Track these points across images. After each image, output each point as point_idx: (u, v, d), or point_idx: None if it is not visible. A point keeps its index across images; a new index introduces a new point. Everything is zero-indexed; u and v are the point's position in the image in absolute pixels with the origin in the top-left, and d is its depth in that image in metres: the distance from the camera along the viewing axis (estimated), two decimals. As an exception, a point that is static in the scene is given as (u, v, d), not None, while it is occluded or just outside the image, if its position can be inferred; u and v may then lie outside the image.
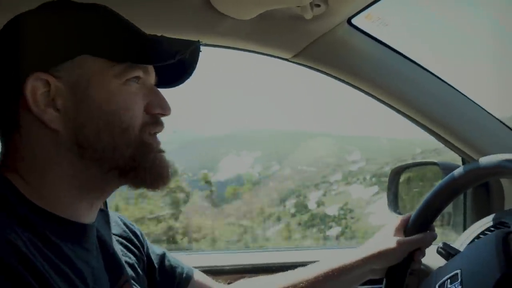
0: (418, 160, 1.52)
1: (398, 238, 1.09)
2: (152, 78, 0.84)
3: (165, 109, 0.83)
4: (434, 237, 1.11)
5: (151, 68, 0.83)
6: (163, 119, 0.84)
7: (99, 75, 0.76)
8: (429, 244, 1.09)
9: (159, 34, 0.81)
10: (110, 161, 0.77)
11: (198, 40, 0.84)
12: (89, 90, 0.75)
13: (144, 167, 0.79)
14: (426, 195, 1.11)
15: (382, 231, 1.15)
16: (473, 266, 0.92)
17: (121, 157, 0.77)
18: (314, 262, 1.37)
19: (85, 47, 0.75)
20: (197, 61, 0.88)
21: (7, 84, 0.76)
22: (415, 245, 1.08)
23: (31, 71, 0.73)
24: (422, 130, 1.41)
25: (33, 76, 0.73)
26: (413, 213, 1.13)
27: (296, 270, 1.18)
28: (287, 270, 1.22)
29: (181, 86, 0.91)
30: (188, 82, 0.91)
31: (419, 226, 1.11)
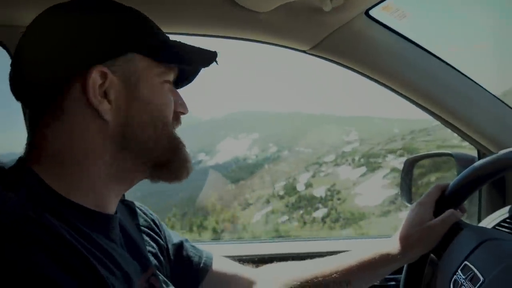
0: (433, 151, 1.52)
1: (431, 223, 1.07)
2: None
3: (185, 108, 0.90)
4: (463, 212, 1.11)
5: (175, 72, 0.89)
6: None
7: (147, 72, 0.81)
8: (458, 219, 1.08)
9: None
10: (149, 153, 0.82)
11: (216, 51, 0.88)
12: (138, 85, 0.80)
13: (177, 159, 0.86)
14: (472, 165, 1.07)
15: (414, 213, 1.11)
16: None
17: (161, 149, 0.83)
18: (335, 252, 1.38)
19: (135, 45, 0.80)
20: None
21: (53, 76, 0.76)
22: (448, 225, 1.06)
23: (93, 63, 0.76)
24: (442, 124, 1.41)
25: (96, 68, 0.76)
26: (452, 181, 1.11)
27: (327, 258, 1.16)
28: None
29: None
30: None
31: (461, 194, 1.10)
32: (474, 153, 1.50)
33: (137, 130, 0.80)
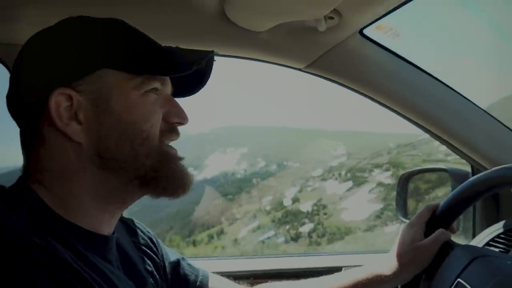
0: (427, 166, 1.53)
1: (423, 242, 1.07)
2: (168, 88, 0.86)
3: (183, 118, 0.85)
4: (453, 232, 1.12)
5: (167, 79, 0.85)
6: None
7: (119, 88, 0.78)
8: (448, 238, 1.08)
9: (174, 45, 0.83)
10: (131, 171, 0.79)
11: (213, 50, 0.85)
12: (110, 103, 0.77)
13: (165, 176, 0.81)
14: (461, 185, 1.08)
15: (405, 234, 1.11)
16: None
17: (142, 166, 0.79)
18: (332, 267, 1.36)
19: (104, 61, 0.77)
20: (211, 70, 0.90)
21: (30, 99, 0.78)
22: (438, 244, 1.06)
23: (54, 87, 0.75)
24: (437, 140, 1.42)
25: (57, 92, 0.75)
26: (442, 201, 1.12)
27: (321, 278, 1.17)
28: (300, 276, 1.22)
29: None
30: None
31: (450, 214, 1.10)
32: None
33: (112, 149, 0.77)
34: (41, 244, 0.64)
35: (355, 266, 1.50)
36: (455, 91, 1.38)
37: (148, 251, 1.01)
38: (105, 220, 0.82)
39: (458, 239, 1.47)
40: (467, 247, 1.10)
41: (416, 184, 1.55)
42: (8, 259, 0.60)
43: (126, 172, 0.79)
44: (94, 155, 0.77)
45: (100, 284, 0.71)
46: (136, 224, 1.04)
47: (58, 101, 0.75)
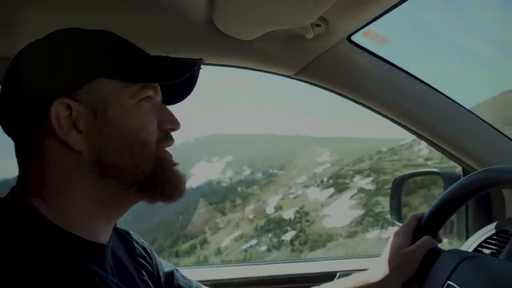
0: (420, 170, 1.54)
1: (408, 248, 1.07)
2: (159, 96, 0.88)
3: (175, 124, 0.86)
4: (439, 241, 1.11)
5: (158, 87, 0.86)
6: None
7: (116, 96, 0.79)
8: (435, 245, 1.08)
9: (162, 54, 0.84)
10: (130, 178, 0.80)
11: (201, 58, 0.87)
12: (107, 111, 0.78)
13: (163, 181, 0.82)
14: (442, 194, 1.08)
15: (392, 242, 1.12)
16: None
17: (141, 173, 0.80)
18: (323, 273, 1.35)
19: (101, 70, 0.79)
20: (197, 78, 0.91)
21: (28, 111, 0.78)
22: (424, 250, 1.06)
23: (54, 97, 0.76)
24: (428, 144, 1.43)
25: (56, 102, 0.76)
26: (426, 211, 1.12)
27: None
28: (294, 282, 1.21)
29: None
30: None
31: (434, 223, 1.10)
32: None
33: (112, 157, 0.78)
34: (49, 249, 0.67)
35: (349, 270, 1.52)
36: (443, 94, 1.40)
37: (142, 261, 1.01)
38: (102, 227, 0.83)
39: (451, 242, 1.48)
40: (455, 251, 1.10)
41: (410, 187, 1.55)
42: (26, 268, 0.62)
43: (125, 178, 0.80)
44: (93, 163, 0.78)
45: None
46: (130, 234, 1.05)
47: (58, 110, 0.76)
